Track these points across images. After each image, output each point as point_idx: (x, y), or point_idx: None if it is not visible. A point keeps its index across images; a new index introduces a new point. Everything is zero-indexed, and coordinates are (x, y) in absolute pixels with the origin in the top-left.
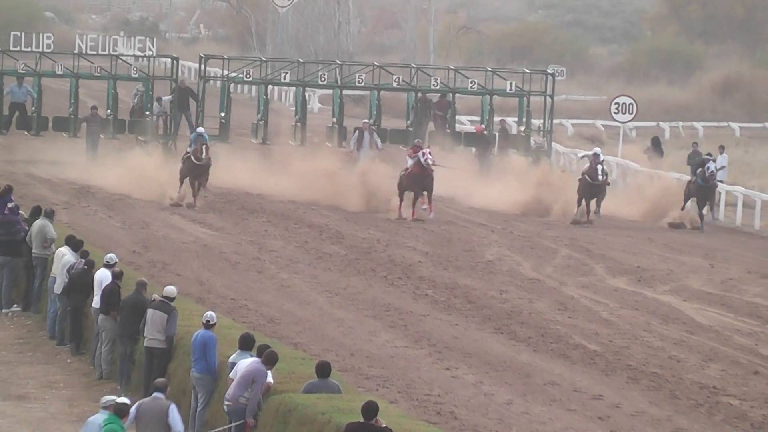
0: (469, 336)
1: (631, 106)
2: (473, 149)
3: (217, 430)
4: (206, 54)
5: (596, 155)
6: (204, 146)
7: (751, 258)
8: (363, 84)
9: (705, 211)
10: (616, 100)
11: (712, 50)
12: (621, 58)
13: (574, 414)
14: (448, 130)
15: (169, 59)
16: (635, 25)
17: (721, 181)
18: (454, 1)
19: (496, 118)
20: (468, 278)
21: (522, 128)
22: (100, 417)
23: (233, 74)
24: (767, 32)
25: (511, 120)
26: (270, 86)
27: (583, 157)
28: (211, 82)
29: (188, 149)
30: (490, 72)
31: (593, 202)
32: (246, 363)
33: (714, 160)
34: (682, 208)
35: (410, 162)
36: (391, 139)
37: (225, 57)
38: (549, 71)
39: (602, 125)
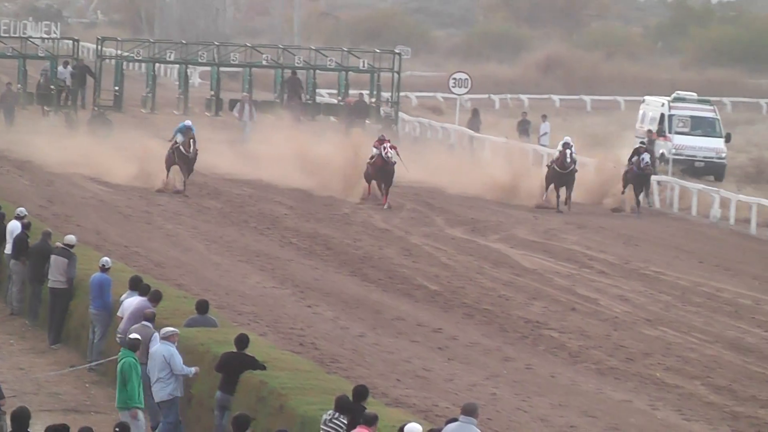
0: (327, 278)
1: (466, 80)
2: (332, 118)
3: (110, 359)
4: (103, 36)
5: (566, 144)
6: (192, 140)
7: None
8: (237, 62)
9: (641, 197)
10: (453, 76)
11: (536, 33)
12: (458, 40)
13: (417, 345)
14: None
15: (71, 41)
16: (470, 12)
17: (545, 145)
18: None
19: (353, 91)
20: (327, 228)
21: (373, 100)
22: (164, 348)
23: (126, 54)
24: (583, 18)
25: (364, 93)
26: (157, 64)
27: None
28: (107, 60)
29: (177, 140)
30: (346, 52)
31: (562, 191)
32: (134, 301)
33: (648, 151)
34: (622, 193)
35: (374, 151)
36: (261, 108)
37: (119, 39)
38: (396, 51)
39: (442, 97)
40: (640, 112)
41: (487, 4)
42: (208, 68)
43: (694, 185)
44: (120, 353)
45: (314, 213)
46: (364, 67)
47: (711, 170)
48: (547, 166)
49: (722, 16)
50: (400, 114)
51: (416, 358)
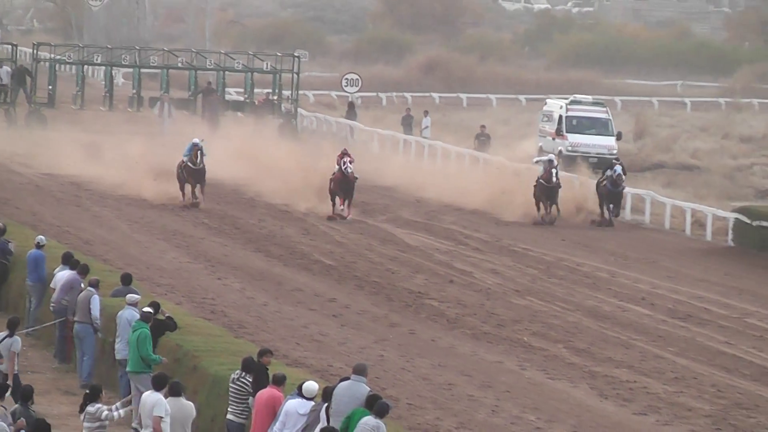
0: (235, 254)
1: (357, 80)
2: (239, 113)
3: (45, 324)
4: (38, 42)
5: (550, 161)
6: (199, 152)
7: (449, 189)
8: (156, 64)
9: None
10: (345, 76)
11: (418, 39)
12: (349, 45)
13: (314, 312)
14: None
15: (10, 45)
16: (360, 20)
17: (426, 138)
18: (225, 0)
19: (257, 90)
20: (235, 210)
21: (275, 98)
22: (128, 313)
23: (58, 57)
24: (460, 25)
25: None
26: (85, 66)
27: (538, 162)
28: (42, 63)
29: (183, 157)
30: (251, 55)
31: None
32: (65, 274)
33: (621, 164)
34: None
35: (337, 166)
36: (178, 106)
37: (52, 44)
38: (296, 54)
39: (335, 95)
40: (542, 112)
41: (375, 13)
42: (130, 70)
43: (570, 174)
44: (135, 324)
45: (223, 197)
46: (267, 68)
47: (603, 165)
48: (534, 184)
49: (581, 24)
50: (299, 110)
51: (313, 324)
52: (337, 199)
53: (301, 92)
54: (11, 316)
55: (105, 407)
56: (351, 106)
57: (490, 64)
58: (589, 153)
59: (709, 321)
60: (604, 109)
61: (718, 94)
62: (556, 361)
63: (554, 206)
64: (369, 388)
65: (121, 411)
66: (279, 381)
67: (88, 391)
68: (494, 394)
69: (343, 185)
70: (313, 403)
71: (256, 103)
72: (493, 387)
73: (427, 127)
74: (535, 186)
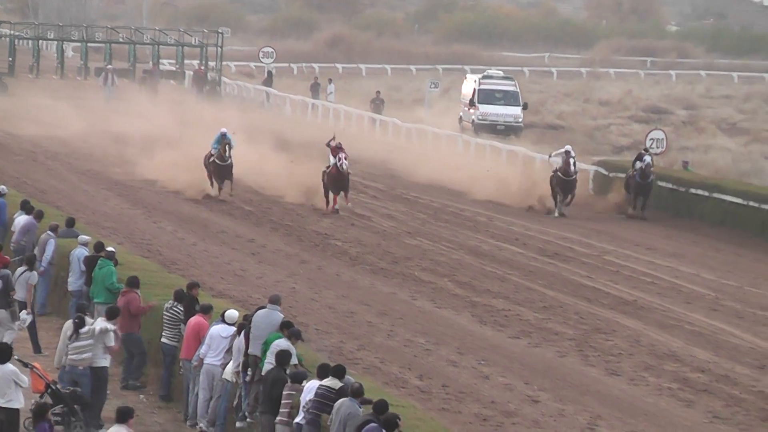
0: (168, 201)
1: (272, 53)
2: (202, 85)
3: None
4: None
5: (567, 152)
6: (227, 146)
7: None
8: (100, 39)
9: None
10: (262, 49)
11: (324, 17)
12: (266, 22)
13: (236, 251)
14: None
15: None
16: (275, 1)
17: (331, 102)
18: None
19: (187, 62)
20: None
21: (202, 68)
22: (79, 251)
23: (17, 33)
24: (359, 5)
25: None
26: (40, 41)
27: (556, 155)
28: (3, 38)
29: (212, 150)
30: (182, 31)
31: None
32: (23, 219)
33: (650, 154)
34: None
35: (332, 160)
36: (120, 75)
37: (11, 22)
38: (220, 31)
39: (254, 66)
40: (463, 86)
41: None
42: (78, 44)
43: (527, 151)
44: (100, 262)
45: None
46: (195, 43)
47: (510, 131)
48: (551, 174)
49: (464, 5)
50: (223, 78)
51: (235, 261)
52: (331, 195)
53: (224, 63)
54: (29, 254)
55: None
56: (269, 75)
57: (385, 39)
58: (497, 121)
59: (573, 258)
60: (513, 82)
61: (580, 65)
62: (442, 293)
63: (570, 198)
64: (282, 316)
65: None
66: (206, 310)
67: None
68: (389, 321)
69: (337, 181)
70: (234, 328)
71: (192, 73)
72: (388, 315)
73: (331, 93)
74: (552, 177)
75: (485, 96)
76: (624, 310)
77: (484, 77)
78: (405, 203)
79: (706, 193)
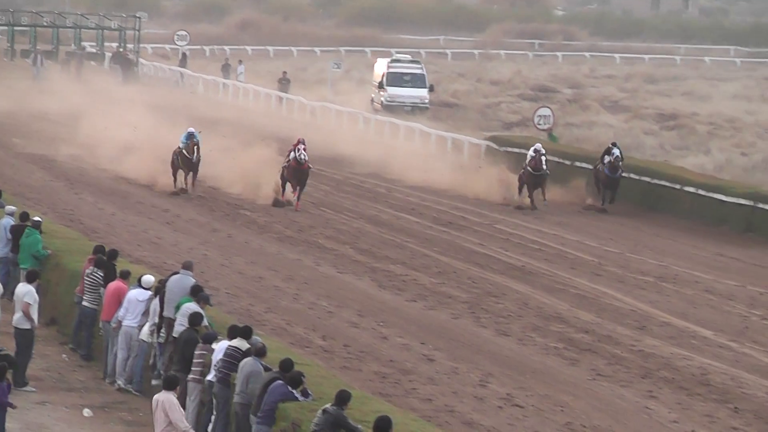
0: (89, 174)
1: (186, 36)
2: (118, 66)
3: None
4: None
5: (537, 150)
6: (196, 146)
7: (258, 121)
8: (26, 23)
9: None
10: (177, 33)
11: (235, 2)
12: (180, 7)
13: (152, 220)
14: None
15: None
16: None
17: (241, 82)
18: None
19: (107, 44)
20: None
21: (122, 50)
22: (6, 221)
23: None
24: None
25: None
26: None
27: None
28: None
29: (180, 145)
30: (102, 15)
31: (538, 191)
32: None
33: (618, 147)
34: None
35: (291, 154)
36: (46, 56)
37: None
38: (137, 15)
39: (169, 48)
40: (374, 69)
41: None
42: (5, 27)
43: (424, 127)
44: (27, 231)
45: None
46: (115, 26)
47: (417, 112)
48: (521, 170)
49: None
50: (140, 60)
51: (151, 230)
52: (288, 186)
53: (141, 45)
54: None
55: None
56: (183, 56)
57: (292, 23)
58: (404, 103)
59: (466, 227)
60: (420, 66)
61: (473, 47)
62: (344, 259)
63: (541, 192)
64: (194, 280)
65: None
66: (124, 275)
67: None
68: (295, 285)
69: (296, 174)
70: (150, 292)
71: (111, 55)
72: (294, 279)
73: (241, 73)
74: (521, 172)
75: (393, 79)
76: (513, 275)
77: (393, 61)
78: (310, 177)
79: (589, 166)
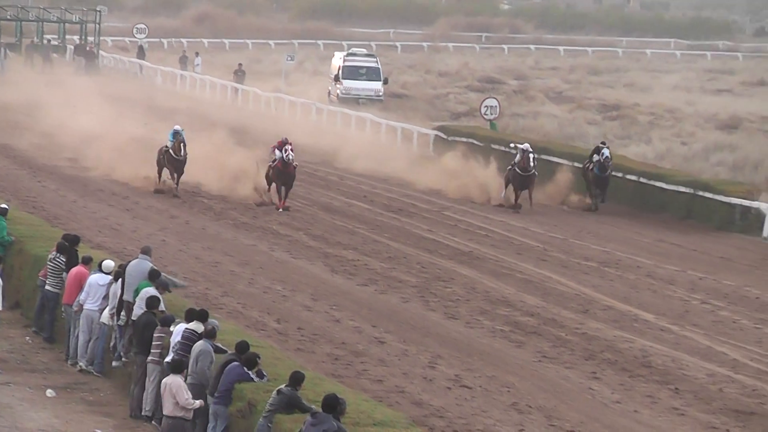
0: (51, 164)
1: (144, 29)
2: (82, 58)
3: None
4: None
5: (526, 150)
6: (182, 144)
7: (215, 111)
8: None
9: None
10: (136, 26)
11: None
12: (139, 1)
13: (112, 207)
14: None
15: None
16: None
17: (198, 73)
18: None
19: (69, 37)
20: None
21: (83, 42)
22: None
23: None
24: None
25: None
26: None
27: (515, 147)
28: None
29: (167, 144)
30: (63, 9)
31: (525, 192)
32: None
33: (608, 147)
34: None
35: (277, 153)
36: (10, 48)
37: None
38: (97, 9)
39: (128, 40)
40: (332, 62)
41: None
42: None
43: (374, 117)
44: None
45: (41, 119)
46: (76, 20)
47: (371, 103)
48: (508, 168)
49: None
50: (101, 52)
51: (111, 216)
52: (273, 187)
53: (102, 38)
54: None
55: None
56: (140, 49)
57: (247, 17)
58: (359, 95)
59: (416, 213)
60: (375, 59)
61: (421, 40)
62: (297, 245)
63: (528, 194)
64: (152, 265)
65: None
66: (86, 261)
67: None
68: (250, 270)
69: (282, 175)
70: (110, 277)
71: (74, 47)
72: (249, 264)
73: (198, 65)
74: (508, 171)
75: (349, 72)
76: (461, 260)
77: (349, 55)
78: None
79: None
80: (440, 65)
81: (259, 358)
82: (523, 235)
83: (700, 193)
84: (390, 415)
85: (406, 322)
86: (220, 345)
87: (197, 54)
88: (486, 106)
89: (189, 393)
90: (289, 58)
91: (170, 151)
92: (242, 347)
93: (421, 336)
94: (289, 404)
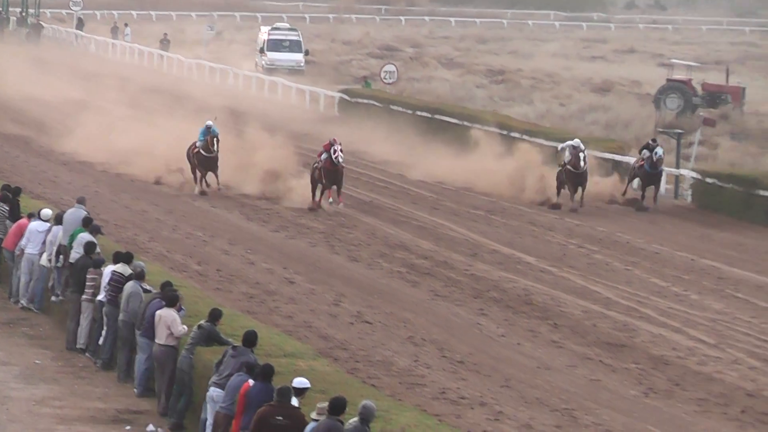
0: None
1: (80, 1)
2: (26, 29)
3: None
4: None
5: (575, 147)
6: (215, 139)
7: (143, 75)
8: None
9: (650, 193)
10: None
11: None
12: None
13: (51, 162)
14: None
15: None
16: None
17: (128, 42)
18: None
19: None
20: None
21: (24, 14)
22: None
23: None
24: None
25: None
26: None
27: (563, 148)
28: None
29: (197, 142)
30: None
31: (578, 190)
32: None
33: (661, 147)
34: (635, 189)
35: (324, 156)
36: None
37: None
38: None
39: (65, 12)
40: (258, 36)
41: None
42: None
43: (285, 81)
44: None
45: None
46: None
47: (294, 73)
48: (559, 166)
49: None
50: (42, 23)
51: (49, 171)
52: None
53: (42, 10)
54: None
55: None
56: (79, 20)
57: None
58: (283, 65)
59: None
60: (297, 33)
61: (327, 12)
62: (216, 195)
63: (581, 192)
64: (86, 213)
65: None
66: (30, 216)
67: None
68: (174, 218)
69: (331, 175)
70: (48, 224)
71: (16, 19)
72: (173, 213)
73: (128, 35)
74: (559, 172)
75: (273, 44)
76: (363, 209)
77: (273, 29)
78: (188, 121)
79: (429, 115)
80: (344, 35)
81: (180, 295)
82: (418, 187)
83: None
84: (299, 348)
85: (314, 265)
86: (147, 286)
87: (126, 25)
88: (385, 71)
89: (181, 323)
90: (209, 28)
91: (201, 151)
92: (165, 287)
93: (326, 277)
94: (209, 338)
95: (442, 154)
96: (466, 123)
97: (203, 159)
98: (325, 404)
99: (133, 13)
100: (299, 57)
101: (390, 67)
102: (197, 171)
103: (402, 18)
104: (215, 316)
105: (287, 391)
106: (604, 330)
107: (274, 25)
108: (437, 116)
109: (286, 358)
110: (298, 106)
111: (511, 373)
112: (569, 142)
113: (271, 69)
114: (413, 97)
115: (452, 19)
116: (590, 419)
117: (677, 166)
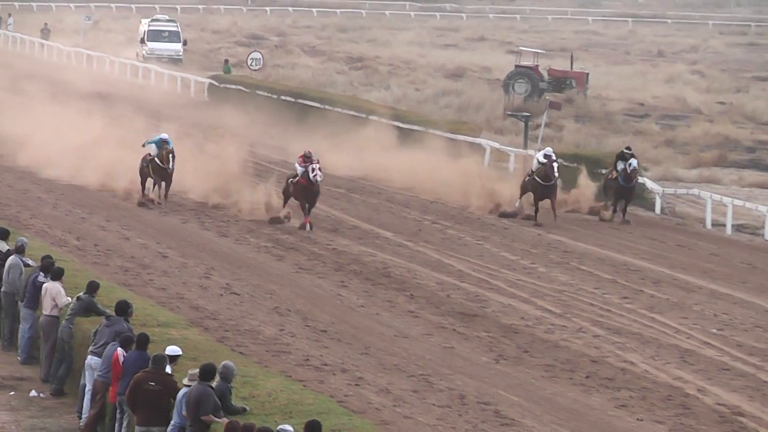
0: None
1: None
2: None
3: None
4: None
5: (548, 156)
6: (171, 154)
7: (34, 64)
8: None
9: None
10: None
11: None
12: None
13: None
14: None
15: None
16: None
17: (10, 31)
18: None
19: None
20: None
21: None
22: None
23: None
24: None
25: None
26: None
27: (534, 156)
28: None
29: (151, 153)
30: None
31: (544, 202)
32: None
33: (635, 158)
34: (611, 204)
35: (299, 170)
36: None
37: None
38: None
39: (19, 6)
40: (139, 27)
41: None
42: None
43: (158, 68)
44: None
45: None
46: None
47: (174, 63)
48: (527, 176)
49: None
50: None
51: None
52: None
53: None
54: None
55: None
56: (45, 32)
57: None
58: (162, 55)
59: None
60: (175, 24)
61: (197, 3)
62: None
63: (551, 205)
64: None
65: None
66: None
67: None
68: (54, 196)
69: (307, 193)
70: None
71: None
72: (53, 191)
73: (11, 24)
74: (526, 181)
75: (153, 35)
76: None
77: (153, 20)
78: (67, 106)
79: (292, 99)
80: (213, 24)
81: (62, 271)
82: (282, 166)
83: (431, 130)
84: (172, 318)
85: (185, 240)
86: (28, 260)
87: (10, 15)
88: (252, 59)
89: (67, 296)
90: (86, 19)
91: (156, 159)
92: (45, 258)
93: (197, 251)
94: (87, 309)
95: (304, 134)
96: (326, 107)
97: (158, 168)
98: (196, 371)
99: (16, 4)
100: (178, 47)
101: (256, 55)
102: (146, 180)
103: (267, 9)
104: (93, 288)
105: (162, 359)
106: (458, 300)
107: (154, 17)
108: (300, 100)
109: (159, 328)
110: (170, 92)
111: (370, 341)
112: (542, 151)
113: (151, 58)
114: (278, 83)
115: (314, 10)
116: (445, 384)
117: (525, 147)
